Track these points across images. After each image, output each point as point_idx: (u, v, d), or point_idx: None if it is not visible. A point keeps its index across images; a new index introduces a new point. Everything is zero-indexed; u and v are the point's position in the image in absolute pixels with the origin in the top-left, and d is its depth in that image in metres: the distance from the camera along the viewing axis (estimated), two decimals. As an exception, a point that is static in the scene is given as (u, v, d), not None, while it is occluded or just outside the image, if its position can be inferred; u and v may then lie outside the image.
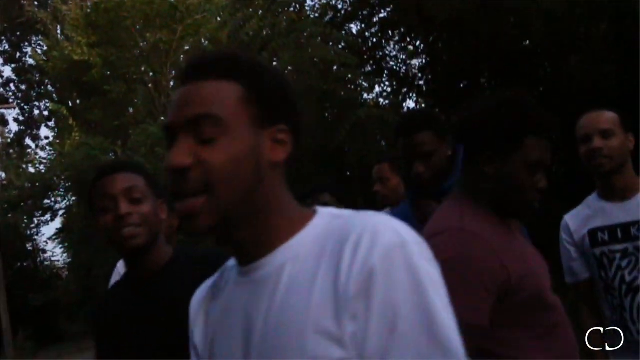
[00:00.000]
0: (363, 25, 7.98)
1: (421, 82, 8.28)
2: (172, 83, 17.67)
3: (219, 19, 7.05)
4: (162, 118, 16.24)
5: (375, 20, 7.86)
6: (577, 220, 2.45)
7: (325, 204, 2.95)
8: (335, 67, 6.44)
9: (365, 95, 6.73)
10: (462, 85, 7.61)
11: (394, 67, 8.06)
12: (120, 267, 3.02)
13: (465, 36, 6.35)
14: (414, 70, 8.20)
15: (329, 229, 0.90)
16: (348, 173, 5.94)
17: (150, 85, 17.36)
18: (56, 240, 19.38)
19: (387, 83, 8.27)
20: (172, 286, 1.56)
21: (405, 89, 7.84)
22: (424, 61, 8.21)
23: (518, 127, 1.53)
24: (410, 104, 8.57)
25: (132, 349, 1.58)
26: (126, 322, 1.63)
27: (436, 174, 2.17)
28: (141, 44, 16.44)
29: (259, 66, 0.93)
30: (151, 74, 17.27)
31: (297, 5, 7.09)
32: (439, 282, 0.86)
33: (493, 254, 1.45)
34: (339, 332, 0.80)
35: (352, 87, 6.43)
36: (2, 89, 26.57)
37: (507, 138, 1.53)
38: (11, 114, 27.59)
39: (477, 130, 1.58)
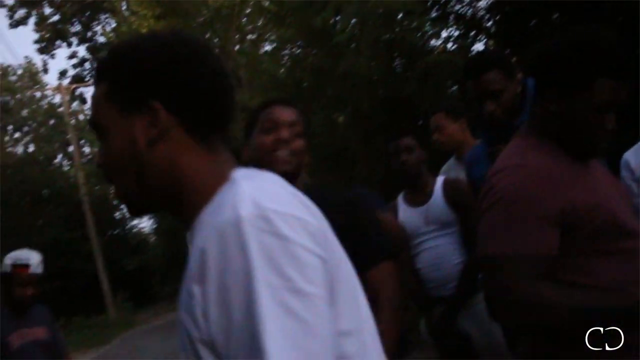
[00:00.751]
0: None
1: (489, 24, 8.05)
2: (237, 47, 17.93)
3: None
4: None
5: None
6: (637, 156, 2.43)
7: (408, 147, 3.01)
8: (400, 16, 6.38)
9: (433, 42, 6.66)
10: (532, 24, 7.36)
11: (460, 11, 7.88)
12: None
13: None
14: (481, 12, 7.98)
15: (215, 203, 0.86)
16: (420, 122, 5.96)
17: (216, 51, 17.66)
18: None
19: (454, 27, 8.11)
20: None
21: (473, 32, 7.67)
22: (489, 1, 7.98)
23: (587, 68, 1.51)
24: (479, 46, 8.39)
25: None
26: None
27: (507, 112, 2.22)
28: (204, 11, 16.67)
29: (122, 55, 0.94)
30: (216, 40, 17.54)
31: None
32: (276, 262, 0.74)
33: (555, 187, 1.46)
34: (193, 315, 0.78)
35: (419, 34, 6.38)
36: (79, 69, 27.63)
37: (574, 78, 1.52)
38: (89, 91, 28.67)
39: (546, 67, 1.58)
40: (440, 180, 3.12)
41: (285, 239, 0.75)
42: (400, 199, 3.23)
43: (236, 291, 0.73)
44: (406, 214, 3.15)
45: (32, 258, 3.21)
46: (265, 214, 0.76)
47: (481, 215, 1.54)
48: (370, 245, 1.85)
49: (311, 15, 6.57)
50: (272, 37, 13.53)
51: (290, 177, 1.70)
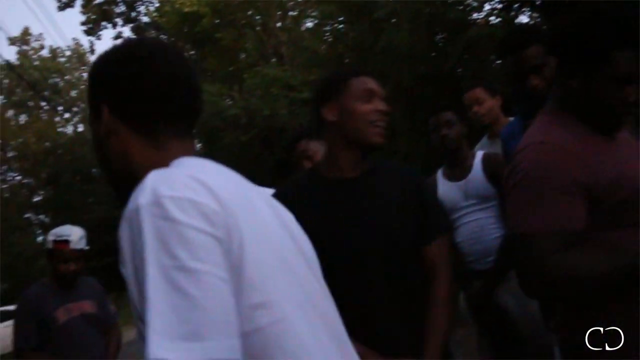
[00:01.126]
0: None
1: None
2: (279, 24, 17.96)
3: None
4: (274, 59, 16.64)
5: None
6: None
7: (449, 121, 3.01)
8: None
9: (475, 15, 6.54)
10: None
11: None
12: None
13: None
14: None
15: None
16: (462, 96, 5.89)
17: (258, 28, 17.74)
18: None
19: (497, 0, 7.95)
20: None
21: (517, 4, 7.51)
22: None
23: (603, 41, 1.49)
24: (524, 19, 8.20)
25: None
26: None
27: (549, 86, 2.22)
28: (246, -12, 16.73)
29: (91, 66, 1.13)
30: (258, 17, 17.61)
31: None
32: (167, 243, 0.80)
33: (578, 162, 1.47)
34: (130, 293, 0.85)
35: (461, 7, 6.28)
36: (123, 48, 28.07)
37: (590, 52, 1.50)
38: (134, 70, 29.14)
39: (562, 42, 1.57)
40: (479, 154, 3.11)
41: (175, 222, 0.81)
42: (439, 174, 3.24)
43: (141, 273, 0.79)
44: (445, 188, 3.16)
45: (73, 234, 3.21)
46: (159, 200, 0.82)
47: (508, 193, 1.56)
48: (431, 221, 1.89)
49: (351, -10, 6.56)
50: (314, 14, 13.49)
51: (376, 150, 1.80)
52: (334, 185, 1.79)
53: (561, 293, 1.49)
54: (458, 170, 3.10)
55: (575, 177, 1.46)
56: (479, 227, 2.97)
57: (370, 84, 1.81)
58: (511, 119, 2.90)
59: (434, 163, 3.48)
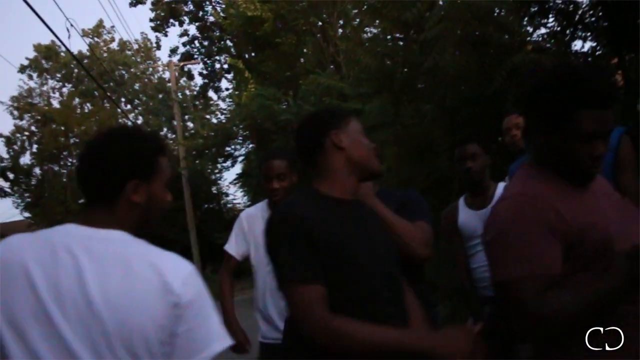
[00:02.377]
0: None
1: (592, 19, 7.75)
2: (339, 32, 18.13)
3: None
4: (332, 67, 16.81)
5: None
6: None
7: (474, 154, 3.15)
8: (495, 11, 6.31)
9: (527, 38, 6.52)
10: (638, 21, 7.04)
11: (560, 5, 7.64)
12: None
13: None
14: (583, 7, 7.69)
15: None
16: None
17: (318, 35, 17.96)
18: (237, 184, 20.98)
19: (553, 24, 7.87)
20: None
21: (571, 29, 7.44)
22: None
23: (566, 102, 1.57)
24: (578, 44, 8.09)
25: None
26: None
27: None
28: (309, -4, 16.94)
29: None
30: (319, 24, 17.82)
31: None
32: None
33: (551, 211, 1.57)
34: None
35: (513, 31, 6.29)
36: (188, 47, 28.85)
37: (557, 112, 1.58)
38: (196, 68, 29.90)
39: (531, 103, 1.67)
40: (501, 186, 3.22)
41: None
42: (461, 201, 3.37)
43: None
44: (466, 215, 3.29)
45: None
46: None
47: (489, 243, 1.67)
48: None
49: (403, 9, 6.65)
50: (372, 26, 13.61)
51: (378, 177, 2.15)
52: (345, 205, 1.94)
53: (546, 330, 1.58)
54: (480, 199, 3.24)
55: (550, 225, 1.57)
56: None
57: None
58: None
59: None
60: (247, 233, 3.28)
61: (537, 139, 1.69)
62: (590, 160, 1.62)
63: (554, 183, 1.66)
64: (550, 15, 7.72)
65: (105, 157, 1.54)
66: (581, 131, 1.58)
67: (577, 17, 7.44)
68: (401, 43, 8.17)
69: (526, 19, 7.39)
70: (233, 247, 3.33)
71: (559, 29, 7.56)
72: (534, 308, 1.54)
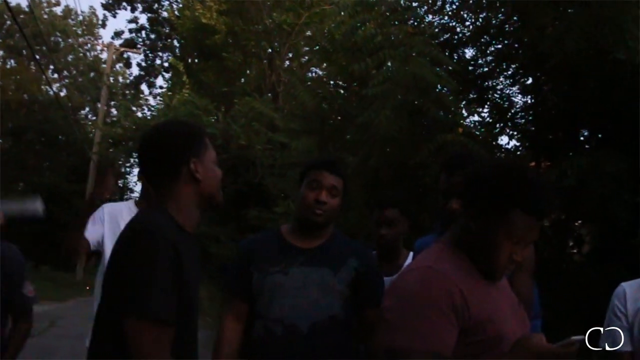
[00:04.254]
0: (478, 53, 7.97)
1: (521, 121, 8.16)
2: (286, 64, 18.22)
3: (342, 13, 7.28)
4: (269, 94, 16.79)
5: (490, 50, 7.84)
6: (635, 291, 2.38)
7: (392, 220, 3.07)
8: (437, 89, 6.50)
9: (460, 120, 6.75)
10: (560, 135, 7.46)
11: (498, 100, 8.00)
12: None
13: (576, 83, 6.25)
14: (516, 108, 8.10)
15: None
16: (420, 190, 6.04)
17: (265, 61, 17.97)
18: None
19: (486, 114, 8.23)
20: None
21: (501, 124, 7.78)
22: (529, 101, 8.10)
23: (504, 198, 1.59)
24: (505, 139, 8.45)
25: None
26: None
27: None
28: (266, 21, 17.01)
29: None
30: (269, 50, 17.85)
31: (416, 21, 7.21)
32: None
33: (457, 293, 1.56)
34: None
35: (449, 110, 6.48)
36: (133, 34, 28.15)
37: (492, 204, 1.60)
38: (136, 58, 29.19)
39: (470, 187, 1.68)
40: (410, 256, 3.17)
41: None
42: None
43: None
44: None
45: None
46: None
47: (388, 308, 1.62)
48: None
49: (353, 61, 6.72)
50: (321, 68, 13.77)
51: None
52: (192, 241, 1.80)
53: None
54: (390, 267, 3.11)
55: (454, 304, 1.55)
56: None
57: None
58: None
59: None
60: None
61: (465, 222, 1.68)
62: (509, 261, 1.63)
63: (465, 267, 1.65)
64: (486, 106, 8.08)
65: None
66: (510, 230, 1.59)
67: (510, 114, 7.83)
68: (342, 91, 8.24)
69: (464, 102, 7.67)
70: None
71: (490, 120, 7.91)
72: None
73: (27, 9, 29.09)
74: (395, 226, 3.10)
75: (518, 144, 8.02)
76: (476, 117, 8.11)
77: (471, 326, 1.56)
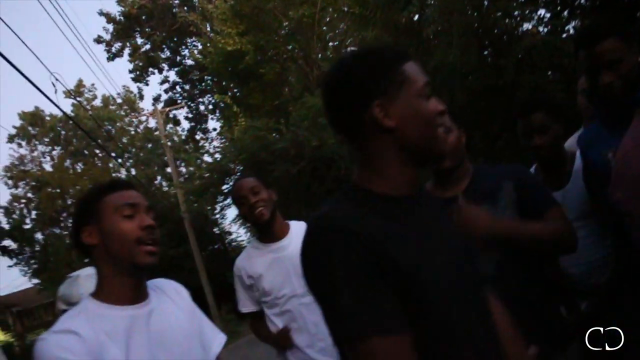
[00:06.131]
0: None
1: (582, 1, 7.69)
2: (320, 55, 18.13)
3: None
4: (319, 88, 16.75)
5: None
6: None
7: (541, 126, 2.42)
8: (485, 4, 6.20)
9: (525, 25, 6.41)
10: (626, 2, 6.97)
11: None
12: None
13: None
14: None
15: None
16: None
17: (300, 61, 17.95)
18: (239, 222, 20.79)
19: (543, 10, 7.81)
20: None
21: (566, 12, 7.34)
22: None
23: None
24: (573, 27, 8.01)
25: None
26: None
27: (626, 84, 1.97)
28: (285, 23, 16.98)
29: None
30: (298, 50, 17.83)
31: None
32: None
33: None
34: None
35: (509, 20, 6.17)
36: (170, 93, 28.87)
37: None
38: (181, 113, 29.92)
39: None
40: (578, 155, 2.52)
41: None
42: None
43: None
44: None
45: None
46: None
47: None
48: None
49: (396, 12, 6.51)
50: (354, 41, 13.52)
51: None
52: (406, 207, 1.34)
53: None
54: (556, 179, 2.56)
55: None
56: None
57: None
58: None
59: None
60: (249, 284, 3.08)
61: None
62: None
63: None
64: (540, 2, 7.68)
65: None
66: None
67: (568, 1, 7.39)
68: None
69: (515, 4, 7.31)
70: (247, 304, 3.11)
71: (553, 12, 7.48)
72: None
73: (72, 114, 30.47)
74: (548, 131, 2.46)
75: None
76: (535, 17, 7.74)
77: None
